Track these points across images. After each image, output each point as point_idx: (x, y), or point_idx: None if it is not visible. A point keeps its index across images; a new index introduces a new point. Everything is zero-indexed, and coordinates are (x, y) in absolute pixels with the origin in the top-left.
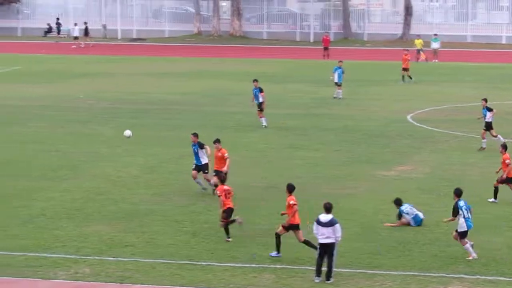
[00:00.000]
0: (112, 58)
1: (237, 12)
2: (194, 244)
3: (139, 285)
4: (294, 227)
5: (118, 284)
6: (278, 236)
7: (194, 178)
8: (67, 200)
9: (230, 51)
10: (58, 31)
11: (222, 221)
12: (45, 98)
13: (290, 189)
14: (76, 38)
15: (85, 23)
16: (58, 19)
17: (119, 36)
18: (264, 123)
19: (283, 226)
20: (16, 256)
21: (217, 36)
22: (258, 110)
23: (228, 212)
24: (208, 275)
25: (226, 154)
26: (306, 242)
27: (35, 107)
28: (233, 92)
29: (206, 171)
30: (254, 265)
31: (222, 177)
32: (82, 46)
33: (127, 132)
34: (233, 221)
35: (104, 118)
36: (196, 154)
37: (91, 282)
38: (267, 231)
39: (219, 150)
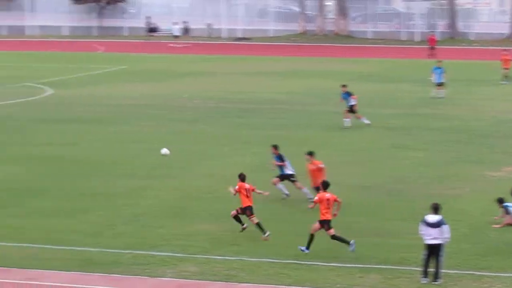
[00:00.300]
0: (217, 57)
1: (342, 11)
2: (299, 244)
3: (244, 284)
4: (322, 222)
5: (224, 282)
6: (334, 237)
7: (275, 184)
8: (173, 198)
9: (335, 51)
10: (150, 30)
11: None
12: (150, 97)
13: (325, 186)
14: (176, 37)
15: (185, 22)
16: (149, 17)
17: (224, 35)
18: (347, 124)
19: (329, 230)
20: (123, 254)
21: (322, 36)
22: (346, 110)
23: (250, 209)
24: (314, 274)
25: (321, 165)
26: (312, 236)
27: (141, 106)
28: (338, 92)
29: (293, 179)
30: (360, 265)
31: (242, 175)
32: (182, 45)
33: (164, 150)
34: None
35: (210, 117)
36: (280, 165)
37: (197, 281)
38: (370, 230)
39: (311, 162)
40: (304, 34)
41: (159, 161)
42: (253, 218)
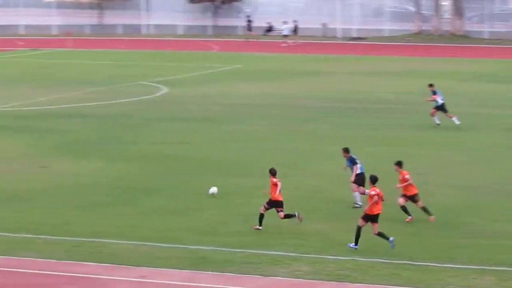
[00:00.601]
0: (330, 57)
1: (458, 11)
2: (413, 244)
3: (357, 284)
4: (370, 218)
5: (336, 282)
6: (358, 229)
7: (353, 191)
8: (287, 198)
9: (450, 51)
10: (249, 29)
11: (265, 208)
12: (264, 96)
13: (374, 180)
14: (285, 36)
15: (295, 21)
16: (248, 16)
17: (339, 35)
18: (458, 122)
19: (362, 218)
20: (236, 252)
21: (437, 36)
22: (444, 111)
23: (278, 203)
24: (426, 275)
25: (406, 176)
26: (380, 234)
27: (254, 105)
28: (452, 92)
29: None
30: (474, 267)
31: (273, 170)
32: (293, 44)
33: (213, 189)
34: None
35: (324, 117)
36: (351, 168)
37: (310, 280)
38: (483, 231)
39: (400, 172)
40: (419, 34)
41: (272, 160)
42: (263, 208)
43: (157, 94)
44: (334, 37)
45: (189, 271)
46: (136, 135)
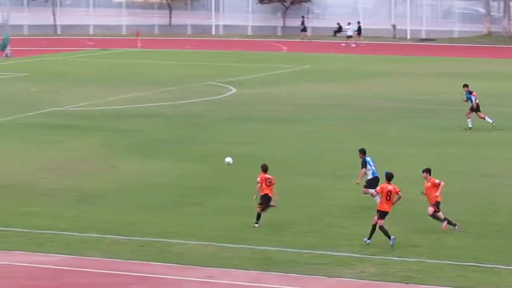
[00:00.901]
0: (401, 58)
1: None
2: (481, 246)
3: (423, 285)
4: (385, 214)
5: (402, 284)
6: (381, 228)
7: (364, 193)
8: (354, 198)
9: None
10: (304, 30)
11: (259, 207)
12: (332, 97)
13: (388, 177)
14: (349, 37)
15: (359, 22)
16: (302, 17)
17: (408, 36)
18: (470, 125)
19: (378, 218)
20: (303, 253)
21: (507, 37)
22: (469, 110)
23: (265, 198)
24: (494, 277)
25: (437, 181)
26: (374, 229)
27: (322, 106)
28: None
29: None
30: None
31: (264, 166)
32: (353, 45)
33: (228, 159)
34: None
35: (393, 118)
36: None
37: (376, 282)
38: None
39: (428, 179)
40: (489, 36)
41: (340, 161)
42: (260, 207)
43: (226, 95)
44: (403, 38)
45: (255, 271)
46: (204, 135)
